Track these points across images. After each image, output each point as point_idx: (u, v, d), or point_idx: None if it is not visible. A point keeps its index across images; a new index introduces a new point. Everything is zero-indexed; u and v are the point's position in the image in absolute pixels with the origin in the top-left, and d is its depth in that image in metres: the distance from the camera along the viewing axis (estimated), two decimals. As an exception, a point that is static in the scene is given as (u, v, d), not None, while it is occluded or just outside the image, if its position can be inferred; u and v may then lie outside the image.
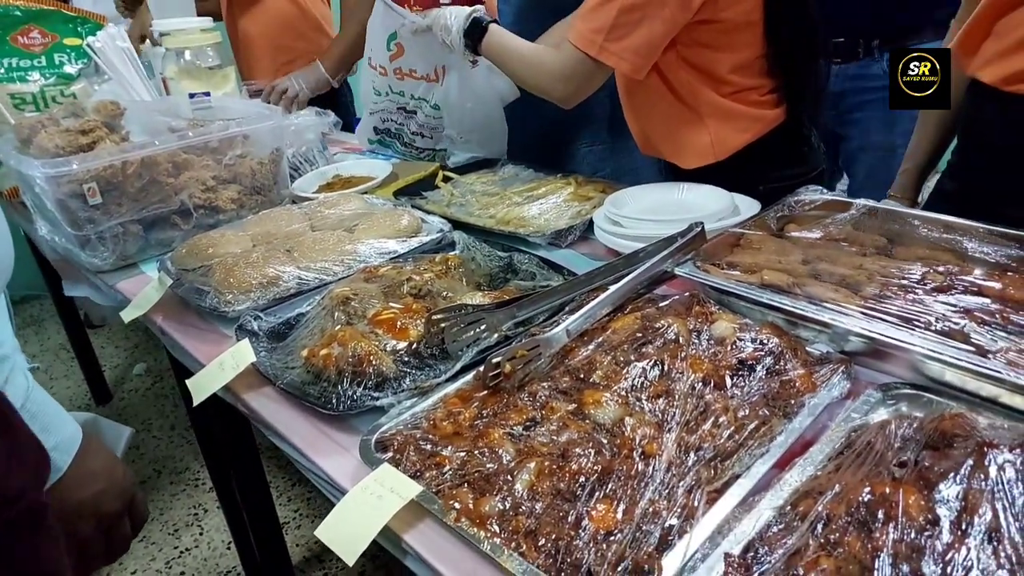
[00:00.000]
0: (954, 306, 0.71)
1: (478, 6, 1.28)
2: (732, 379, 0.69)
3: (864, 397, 0.67)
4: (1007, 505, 0.44)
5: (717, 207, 1.06)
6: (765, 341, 0.73)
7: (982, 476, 0.46)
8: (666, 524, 0.53)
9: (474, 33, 1.24)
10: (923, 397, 0.66)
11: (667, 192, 1.17)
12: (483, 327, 0.83)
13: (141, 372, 2.62)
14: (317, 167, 1.56)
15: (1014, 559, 0.41)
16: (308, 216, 1.20)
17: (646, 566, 0.49)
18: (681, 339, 0.75)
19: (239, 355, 0.80)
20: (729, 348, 0.73)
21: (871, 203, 1.01)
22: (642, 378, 0.70)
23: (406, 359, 0.81)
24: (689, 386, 0.68)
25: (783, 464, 0.60)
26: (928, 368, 0.68)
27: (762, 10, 1.13)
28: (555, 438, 0.64)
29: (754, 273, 0.86)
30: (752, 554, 0.49)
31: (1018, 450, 0.48)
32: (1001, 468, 0.46)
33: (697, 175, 1.22)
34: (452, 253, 1.05)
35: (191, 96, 1.47)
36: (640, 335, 0.77)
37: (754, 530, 0.51)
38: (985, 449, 0.48)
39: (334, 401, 0.73)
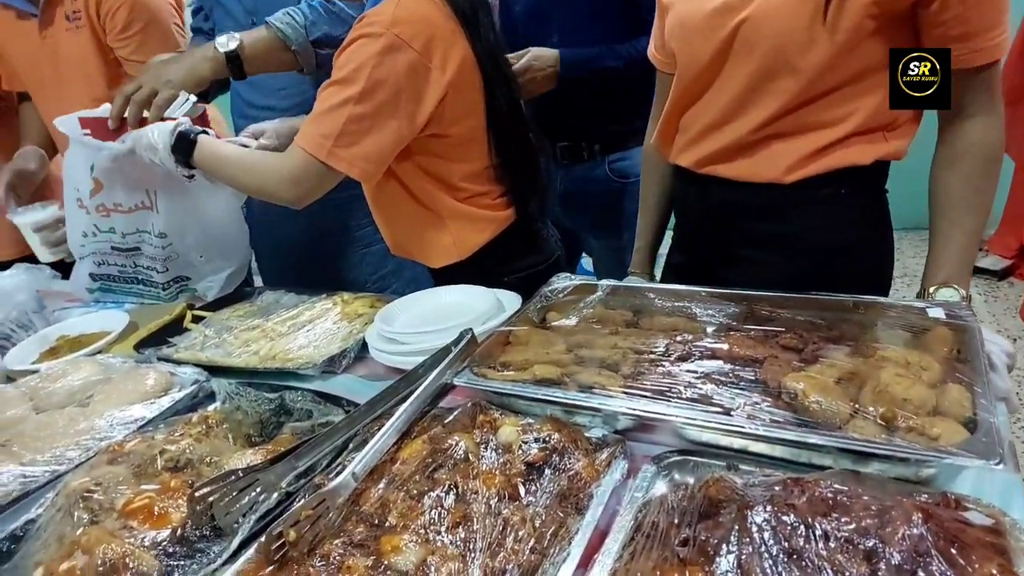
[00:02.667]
0: (696, 372, 0.80)
1: (181, 119, 1.23)
2: (524, 486, 0.70)
3: (642, 473, 0.71)
4: (771, 562, 0.49)
5: (483, 307, 1.10)
6: (548, 438, 0.75)
7: (747, 539, 0.51)
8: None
9: (182, 147, 1.19)
10: (690, 461, 0.72)
11: (434, 298, 1.19)
12: (259, 490, 0.75)
13: None
14: (34, 331, 1.33)
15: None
16: (29, 395, 1.01)
17: None
18: (471, 455, 0.74)
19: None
20: (516, 453, 0.74)
21: (613, 283, 1.12)
22: (438, 508, 0.67)
23: (171, 550, 0.69)
24: (485, 504, 0.67)
25: (585, 563, 0.60)
26: (688, 433, 0.75)
27: (485, 128, 1.24)
28: (356, 603, 0.58)
29: (526, 370, 0.89)
30: None
31: (770, 506, 0.53)
32: (760, 528, 0.51)
33: (447, 273, 1.30)
34: (212, 408, 0.94)
35: None
36: (430, 460, 0.75)
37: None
38: (745, 512, 0.53)
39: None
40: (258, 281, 1.73)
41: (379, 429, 0.78)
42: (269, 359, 1.10)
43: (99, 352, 1.18)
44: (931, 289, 0.95)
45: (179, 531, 0.71)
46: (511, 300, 1.15)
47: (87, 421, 0.93)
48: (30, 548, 0.73)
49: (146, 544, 0.69)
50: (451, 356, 0.90)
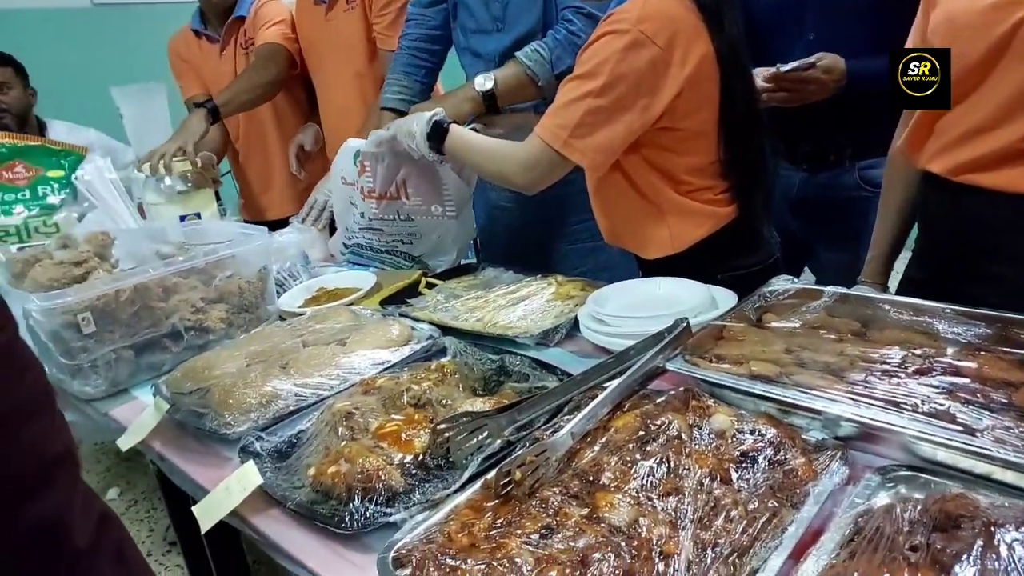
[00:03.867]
0: (936, 387, 0.75)
1: (437, 110, 1.39)
2: (737, 472, 0.71)
3: (864, 481, 0.69)
4: (1021, 583, 0.46)
5: (696, 301, 1.11)
6: (763, 432, 0.76)
7: (994, 556, 0.49)
8: (696, 627, 0.54)
9: (435, 135, 1.34)
10: (920, 478, 0.68)
11: (646, 288, 1.23)
12: (486, 434, 0.84)
13: (115, 497, 2.50)
14: (301, 282, 1.59)
15: (1037, 637, 0.43)
16: (299, 332, 1.22)
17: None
18: (683, 435, 0.77)
19: (245, 478, 0.80)
20: (730, 441, 0.75)
21: (842, 290, 1.07)
22: (650, 476, 0.71)
23: (414, 472, 0.81)
24: (697, 482, 0.70)
25: (797, 555, 0.61)
26: (920, 449, 0.71)
27: (717, 122, 1.24)
28: (572, 544, 0.64)
29: (742, 364, 0.90)
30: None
31: (1023, 527, 0.50)
32: (1011, 547, 0.49)
33: (660, 265, 1.30)
34: (445, 359, 1.07)
35: (182, 219, 1.51)
36: (642, 433, 0.79)
37: (783, 626, 0.52)
38: (992, 529, 0.50)
39: (347, 520, 0.72)
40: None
41: (592, 398, 0.84)
42: (491, 326, 1.21)
43: (352, 304, 1.38)
44: None
45: (420, 457, 0.83)
46: (725, 297, 1.15)
47: (345, 358, 1.10)
48: (303, 452, 0.89)
49: (394, 463, 0.81)
50: (665, 341, 0.93)
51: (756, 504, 0.66)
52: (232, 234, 1.44)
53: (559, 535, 0.66)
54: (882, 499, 0.66)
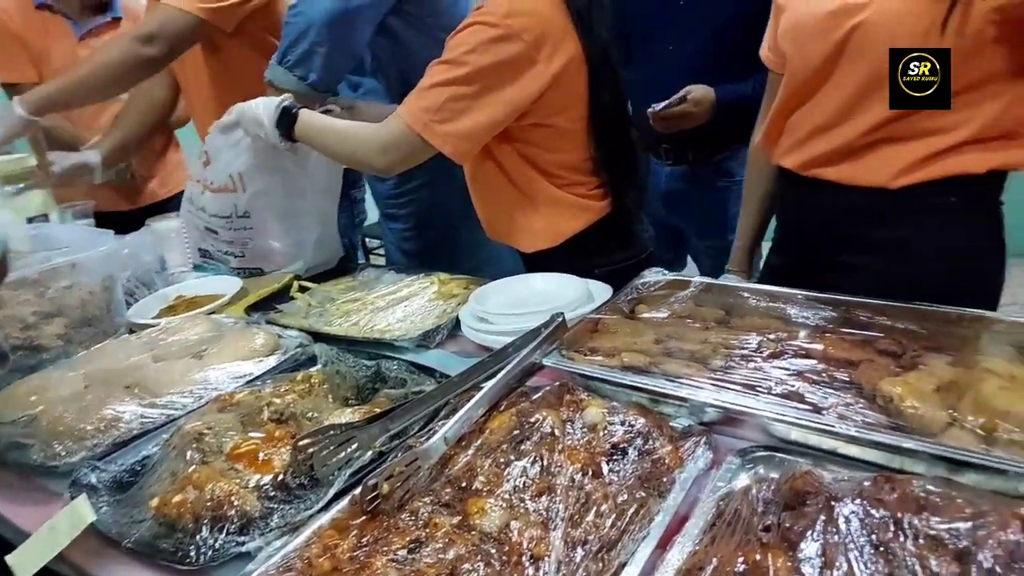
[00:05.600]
0: (787, 369, 0.79)
1: (285, 96, 1.32)
2: (608, 465, 0.71)
3: (726, 465, 0.71)
4: (857, 553, 0.49)
5: (574, 295, 1.12)
6: (633, 422, 0.76)
7: (833, 530, 0.51)
8: (564, 629, 0.52)
9: (285, 122, 1.28)
10: (776, 457, 0.71)
11: (527, 283, 1.23)
12: (355, 446, 0.80)
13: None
14: (156, 290, 1.46)
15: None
16: (149, 346, 1.11)
17: None
18: (556, 431, 0.76)
19: (75, 515, 0.71)
20: (601, 434, 0.76)
21: (707, 280, 1.11)
22: (523, 477, 0.70)
23: (272, 494, 0.75)
24: (569, 478, 0.69)
25: (664, 544, 0.61)
26: (775, 430, 0.75)
27: (587, 119, 1.25)
28: (442, 556, 0.62)
29: (614, 356, 0.91)
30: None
31: (858, 500, 0.53)
32: (847, 520, 0.51)
33: (539, 259, 1.31)
34: (314, 369, 1.01)
35: (29, 221, 1.35)
36: (517, 432, 0.78)
37: (648, 619, 0.52)
38: (832, 503, 0.53)
39: (192, 553, 0.66)
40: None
41: (470, 399, 0.82)
42: (367, 330, 1.16)
43: (213, 312, 1.28)
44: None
45: (280, 477, 0.77)
46: (601, 291, 1.16)
47: (201, 372, 1.02)
48: (146, 481, 0.81)
49: (250, 486, 0.75)
50: (541, 337, 0.93)
51: (625, 496, 0.66)
52: (71, 240, 1.30)
53: (428, 548, 0.63)
54: (742, 481, 0.69)
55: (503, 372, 0.86)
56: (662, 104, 1.51)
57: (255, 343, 1.08)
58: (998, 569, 0.46)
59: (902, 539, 0.49)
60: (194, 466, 0.78)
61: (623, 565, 0.59)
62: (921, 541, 0.49)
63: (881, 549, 0.49)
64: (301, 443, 0.77)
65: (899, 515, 0.51)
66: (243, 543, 0.67)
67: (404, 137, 1.17)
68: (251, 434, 0.84)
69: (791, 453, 0.71)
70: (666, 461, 0.72)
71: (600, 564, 0.59)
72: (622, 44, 1.71)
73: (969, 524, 0.50)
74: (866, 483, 0.56)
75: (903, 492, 0.53)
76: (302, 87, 1.44)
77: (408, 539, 0.64)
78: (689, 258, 1.98)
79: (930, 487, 0.55)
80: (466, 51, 1.13)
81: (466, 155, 1.21)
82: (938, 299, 0.90)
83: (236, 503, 0.71)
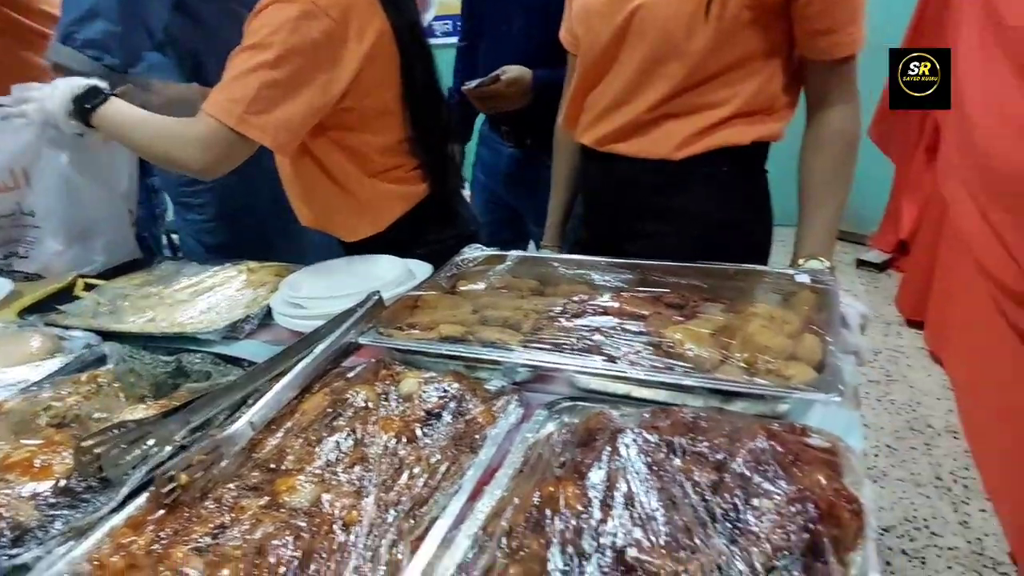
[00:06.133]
0: (588, 327, 0.85)
1: (91, 79, 1.19)
2: (423, 430, 0.72)
3: (535, 417, 0.75)
4: (635, 474, 0.54)
5: (393, 275, 1.12)
6: (448, 388, 0.78)
7: (617, 457, 0.56)
8: (373, 587, 0.53)
9: (88, 102, 1.15)
10: (578, 406, 0.76)
11: (343, 266, 1.20)
12: (152, 442, 0.74)
13: None
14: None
15: (644, 516, 0.50)
16: None
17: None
18: (370, 404, 0.76)
19: None
20: (416, 402, 0.77)
21: (521, 253, 1.16)
22: (336, 452, 0.69)
23: (53, 501, 0.68)
24: (383, 447, 0.69)
25: (475, 495, 0.64)
26: (578, 381, 0.80)
27: (400, 100, 1.25)
28: (249, 537, 0.59)
29: (432, 329, 0.92)
30: (454, 586, 0.51)
31: (638, 429, 0.58)
32: (628, 447, 0.56)
33: (361, 246, 1.29)
34: (103, 368, 0.92)
35: None
36: (331, 410, 0.76)
37: (454, 563, 0.54)
38: (616, 435, 0.58)
39: (-48, 577, 0.58)
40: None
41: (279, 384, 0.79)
42: (168, 324, 1.07)
43: (-24, 319, 1.12)
44: (800, 260, 1.05)
45: (62, 482, 0.69)
46: (422, 269, 1.17)
47: (-37, 384, 0.89)
48: None
49: (24, 496, 0.67)
50: (356, 316, 0.92)
51: (439, 456, 0.68)
52: None
53: (234, 531, 0.60)
54: (548, 430, 0.73)
55: (314, 353, 0.84)
56: (475, 82, 1.53)
57: (31, 346, 0.96)
58: (747, 472, 0.54)
59: (672, 458, 0.56)
60: (-47, 484, 0.68)
61: (435, 519, 0.61)
62: (688, 458, 0.56)
63: (655, 468, 0.54)
64: (84, 444, 0.70)
65: (671, 439, 0.57)
66: (16, 555, 0.59)
67: (217, 135, 1.07)
68: (24, 442, 0.74)
69: (592, 401, 0.77)
70: (479, 420, 0.74)
71: (412, 521, 0.60)
72: (468, 21, 1.74)
73: (727, 439, 0.58)
74: (645, 415, 0.62)
75: (675, 419, 0.60)
76: (98, 68, 1.29)
77: (212, 525, 0.61)
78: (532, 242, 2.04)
79: (700, 414, 0.62)
80: (270, 32, 1.06)
81: (288, 145, 1.13)
82: (718, 259, 1.01)
83: (7, 515, 0.63)
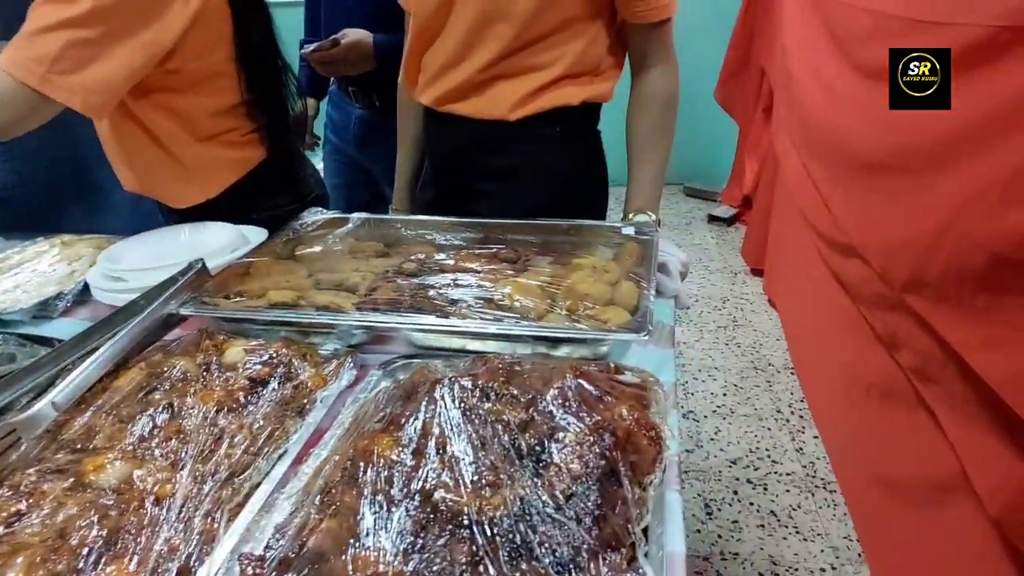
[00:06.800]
0: (422, 285, 0.86)
1: None
2: (246, 399, 0.71)
3: (368, 378, 0.75)
4: (448, 421, 0.56)
5: (223, 242, 1.06)
6: (275, 355, 0.76)
7: (433, 407, 0.58)
8: (183, 555, 0.52)
9: None
10: (413, 363, 0.77)
11: (169, 235, 1.13)
12: (-64, 434, 0.67)
13: None
14: None
15: (454, 460, 0.52)
16: None
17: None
18: (190, 375, 0.73)
19: None
20: (240, 371, 0.74)
21: (364, 215, 1.14)
22: (151, 426, 0.66)
23: None
24: (202, 418, 0.67)
25: (302, 458, 0.64)
26: (413, 339, 0.81)
27: (235, 62, 1.17)
28: (49, 522, 0.56)
29: (262, 296, 0.89)
30: (267, 545, 0.51)
31: (455, 378, 0.60)
32: (443, 396, 0.58)
33: (192, 212, 1.21)
34: None
35: None
36: (146, 384, 0.72)
37: (271, 525, 0.54)
38: (434, 385, 0.60)
39: None
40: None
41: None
42: (-37, 306, 0.96)
43: None
44: (630, 215, 1.11)
45: None
46: (258, 235, 1.12)
47: None
48: None
49: None
50: (176, 286, 0.87)
51: (261, 423, 0.67)
52: None
53: (33, 518, 0.56)
54: (381, 389, 0.74)
55: (128, 327, 0.78)
56: (314, 45, 1.47)
57: None
58: (553, 409, 0.57)
59: (485, 402, 0.58)
60: None
61: (257, 485, 0.60)
62: (501, 401, 0.59)
63: (467, 413, 0.57)
64: None
65: (485, 384, 0.60)
66: None
67: (15, 94, 0.95)
68: None
69: (428, 358, 0.78)
70: (308, 384, 0.73)
71: (230, 490, 0.59)
72: None
73: (539, 381, 0.61)
74: (463, 364, 0.64)
75: (490, 366, 0.62)
76: None
77: (7, 514, 0.57)
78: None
79: (515, 360, 0.65)
80: None
81: (100, 109, 1.03)
82: (556, 216, 1.05)
83: None
